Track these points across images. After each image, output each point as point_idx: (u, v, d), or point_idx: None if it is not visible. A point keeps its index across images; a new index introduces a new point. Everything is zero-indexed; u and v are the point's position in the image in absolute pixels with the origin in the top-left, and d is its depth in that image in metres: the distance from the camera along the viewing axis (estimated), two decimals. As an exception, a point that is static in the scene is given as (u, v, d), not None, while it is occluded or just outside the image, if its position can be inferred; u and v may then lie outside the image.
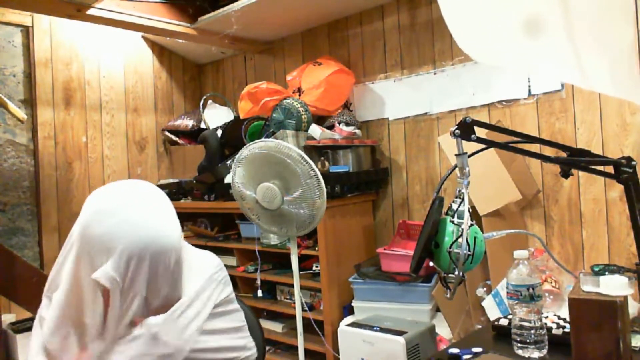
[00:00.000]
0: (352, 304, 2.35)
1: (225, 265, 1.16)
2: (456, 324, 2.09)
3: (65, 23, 2.89)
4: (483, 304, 2.07)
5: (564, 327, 1.31)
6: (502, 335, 1.36)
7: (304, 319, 2.09)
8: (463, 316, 2.12)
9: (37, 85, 2.84)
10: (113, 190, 0.94)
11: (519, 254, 1.25)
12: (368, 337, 1.99)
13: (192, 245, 1.13)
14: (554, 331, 1.29)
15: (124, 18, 2.59)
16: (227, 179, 2.68)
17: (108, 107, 3.17)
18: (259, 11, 2.66)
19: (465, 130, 1.15)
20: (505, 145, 1.27)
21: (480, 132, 1.18)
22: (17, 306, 1.69)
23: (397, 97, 2.68)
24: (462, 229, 1.10)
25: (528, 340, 1.21)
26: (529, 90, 2.24)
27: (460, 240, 1.10)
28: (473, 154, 1.24)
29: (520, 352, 1.22)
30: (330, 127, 2.66)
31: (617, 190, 2.04)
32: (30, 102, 2.83)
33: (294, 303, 2.22)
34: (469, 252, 1.11)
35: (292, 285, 2.23)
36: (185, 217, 3.03)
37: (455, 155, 1.16)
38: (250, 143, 1.88)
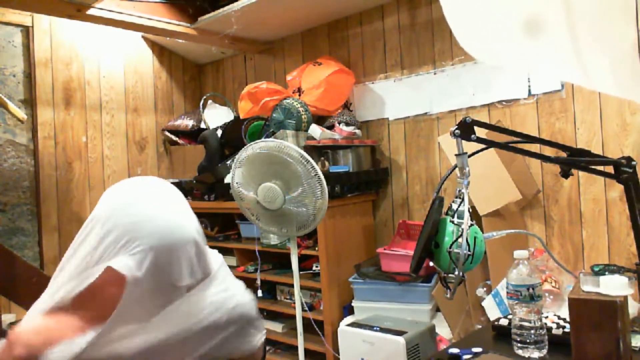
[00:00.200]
0: (352, 304, 2.35)
1: (226, 265, 1.16)
2: (456, 324, 2.09)
3: (65, 23, 2.89)
4: (483, 304, 2.07)
5: (564, 327, 1.31)
6: (502, 335, 1.36)
7: (304, 319, 2.09)
8: (463, 316, 2.12)
9: (37, 85, 2.84)
10: (131, 185, 0.95)
11: (519, 254, 1.25)
12: (368, 337, 1.99)
13: None
14: (554, 331, 1.29)
15: (124, 18, 2.59)
16: (227, 179, 2.68)
17: (108, 107, 3.17)
18: (259, 11, 2.66)
19: (465, 130, 1.15)
20: (505, 145, 1.27)
21: (480, 132, 1.18)
22: (17, 306, 1.69)
23: (397, 97, 2.68)
24: (462, 229, 1.10)
25: (528, 340, 1.21)
26: (529, 90, 2.24)
27: (460, 240, 1.10)
28: (473, 154, 1.24)
29: (520, 352, 1.22)
30: (330, 127, 2.66)
31: (617, 190, 2.04)
32: (30, 102, 2.83)
33: (294, 303, 2.22)
34: (469, 252, 1.11)
35: (292, 285, 2.23)
36: (185, 217, 3.02)
37: (455, 155, 1.16)
38: (251, 143, 1.88)
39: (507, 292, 1.24)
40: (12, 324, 2.19)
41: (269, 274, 2.66)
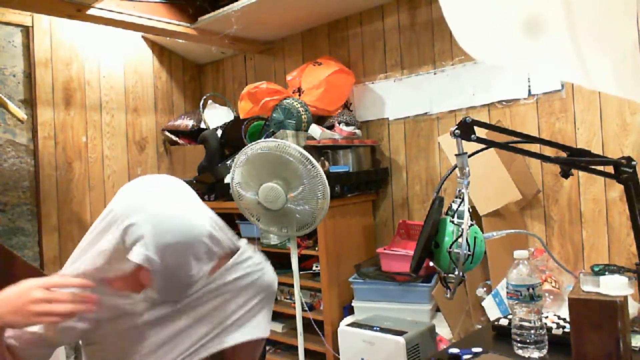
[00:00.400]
0: (352, 304, 2.36)
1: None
2: (456, 324, 2.09)
3: (65, 23, 2.89)
4: (483, 304, 2.07)
5: (564, 327, 1.31)
6: (502, 335, 1.36)
7: (304, 319, 2.09)
8: (463, 316, 2.12)
9: (37, 85, 2.84)
10: (147, 183, 0.99)
11: (519, 254, 1.24)
12: (368, 337, 1.99)
13: None
14: (554, 331, 1.29)
15: (124, 18, 2.59)
16: (227, 179, 2.68)
17: (108, 107, 3.17)
18: (259, 11, 2.66)
19: (465, 130, 1.15)
20: (505, 145, 1.27)
21: (480, 132, 1.18)
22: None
23: (397, 97, 2.68)
24: (462, 229, 1.10)
25: (528, 340, 1.21)
26: (529, 90, 2.24)
27: (460, 240, 1.10)
28: (473, 154, 1.24)
29: (520, 352, 1.22)
30: (330, 127, 2.66)
31: (617, 190, 2.04)
32: (30, 102, 2.83)
33: (294, 303, 2.22)
34: (469, 252, 1.11)
35: (292, 285, 2.23)
36: (185, 217, 3.02)
37: (455, 155, 1.16)
38: (252, 143, 1.88)
39: (507, 292, 1.24)
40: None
41: (269, 274, 2.66)
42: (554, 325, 1.33)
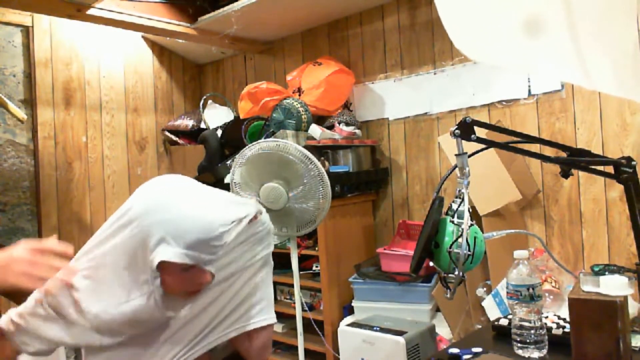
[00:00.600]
0: (352, 304, 2.35)
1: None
2: (456, 324, 2.09)
3: (65, 23, 2.88)
4: (483, 304, 2.07)
5: (564, 327, 1.31)
6: (502, 335, 1.36)
7: (304, 319, 2.09)
8: (463, 316, 2.12)
9: (37, 85, 2.84)
10: (166, 181, 1.02)
11: (519, 254, 1.24)
12: (368, 337, 1.99)
13: None
14: (554, 331, 1.29)
15: (124, 18, 2.59)
16: (228, 179, 2.68)
17: (108, 107, 3.17)
18: (259, 11, 2.66)
19: (465, 130, 1.15)
20: (505, 145, 1.27)
21: (480, 132, 1.18)
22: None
23: (397, 97, 2.68)
24: (462, 229, 1.10)
25: (528, 340, 1.21)
26: (529, 90, 2.24)
27: (460, 240, 1.10)
28: (473, 154, 1.24)
29: (520, 352, 1.22)
30: (330, 127, 2.66)
31: (617, 190, 2.04)
32: (30, 102, 2.83)
33: (294, 303, 2.22)
34: (469, 252, 1.11)
35: (292, 285, 2.23)
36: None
37: (455, 155, 1.16)
38: (254, 143, 1.88)
39: (507, 292, 1.24)
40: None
41: (269, 274, 2.66)
42: (554, 325, 1.33)
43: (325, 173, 1.81)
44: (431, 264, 1.19)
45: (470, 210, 1.13)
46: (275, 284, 2.75)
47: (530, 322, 1.21)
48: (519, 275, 1.22)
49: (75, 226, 2.94)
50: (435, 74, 2.54)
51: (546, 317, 1.38)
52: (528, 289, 1.20)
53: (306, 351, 2.13)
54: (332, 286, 2.43)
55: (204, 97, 3.41)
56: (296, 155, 1.80)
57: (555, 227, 2.20)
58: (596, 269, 1.35)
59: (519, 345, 1.22)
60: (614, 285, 1.05)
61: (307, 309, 2.39)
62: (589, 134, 2.11)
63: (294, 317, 2.28)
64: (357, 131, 2.68)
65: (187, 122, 3.33)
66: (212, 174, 2.77)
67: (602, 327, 1.03)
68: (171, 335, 1.02)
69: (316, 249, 2.45)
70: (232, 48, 3.24)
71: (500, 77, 2.31)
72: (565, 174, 1.26)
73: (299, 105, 2.56)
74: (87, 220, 2.99)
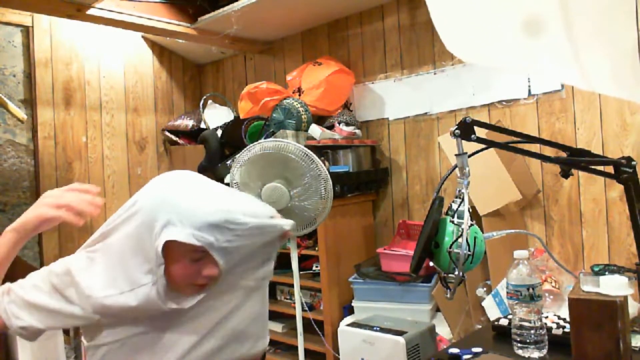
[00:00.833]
0: (352, 304, 2.35)
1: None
2: (456, 324, 2.09)
3: (65, 23, 2.88)
4: (483, 304, 2.07)
5: (564, 327, 1.31)
6: (502, 335, 1.36)
7: (304, 319, 2.09)
8: (463, 316, 2.12)
9: (37, 85, 2.84)
10: (177, 173, 1.04)
11: (519, 254, 1.24)
12: (368, 337, 1.99)
13: None
14: (554, 331, 1.29)
15: (124, 18, 2.59)
16: (228, 179, 2.68)
17: (108, 107, 3.17)
18: (259, 11, 2.66)
19: (465, 130, 1.15)
20: (505, 145, 1.27)
21: (480, 132, 1.18)
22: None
23: (397, 97, 2.68)
24: (462, 229, 1.10)
25: (528, 340, 1.21)
26: (529, 90, 2.24)
27: (460, 240, 1.10)
28: (473, 154, 1.24)
29: (520, 352, 1.22)
30: (330, 127, 2.66)
31: (617, 190, 2.04)
32: (30, 102, 2.83)
33: (294, 303, 2.22)
34: (469, 252, 1.11)
35: (292, 285, 2.23)
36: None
37: (455, 155, 1.16)
38: (254, 143, 1.88)
39: (507, 292, 1.24)
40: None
41: (269, 274, 2.66)
42: (554, 325, 1.33)
43: (327, 172, 1.81)
44: (431, 264, 1.19)
45: (470, 210, 1.13)
46: (275, 283, 2.76)
47: (530, 322, 1.21)
48: (519, 275, 1.22)
49: (75, 226, 2.94)
50: (435, 74, 2.54)
51: (546, 317, 1.38)
52: (528, 289, 1.20)
53: (306, 351, 2.13)
54: (332, 286, 2.43)
55: (204, 97, 3.41)
56: (297, 155, 1.80)
57: (555, 227, 2.20)
58: (596, 269, 1.35)
59: (519, 345, 1.22)
60: (614, 285, 1.05)
61: (307, 309, 2.39)
62: (589, 134, 2.11)
63: (294, 317, 2.28)
64: (357, 131, 2.68)
65: (187, 122, 3.33)
66: (212, 174, 2.77)
67: (602, 327, 1.03)
68: (170, 342, 1.01)
69: (316, 249, 2.45)
70: (232, 48, 3.24)
71: (500, 77, 2.31)
72: (565, 174, 1.26)
73: (299, 105, 2.56)
74: (86, 220, 2.98)
